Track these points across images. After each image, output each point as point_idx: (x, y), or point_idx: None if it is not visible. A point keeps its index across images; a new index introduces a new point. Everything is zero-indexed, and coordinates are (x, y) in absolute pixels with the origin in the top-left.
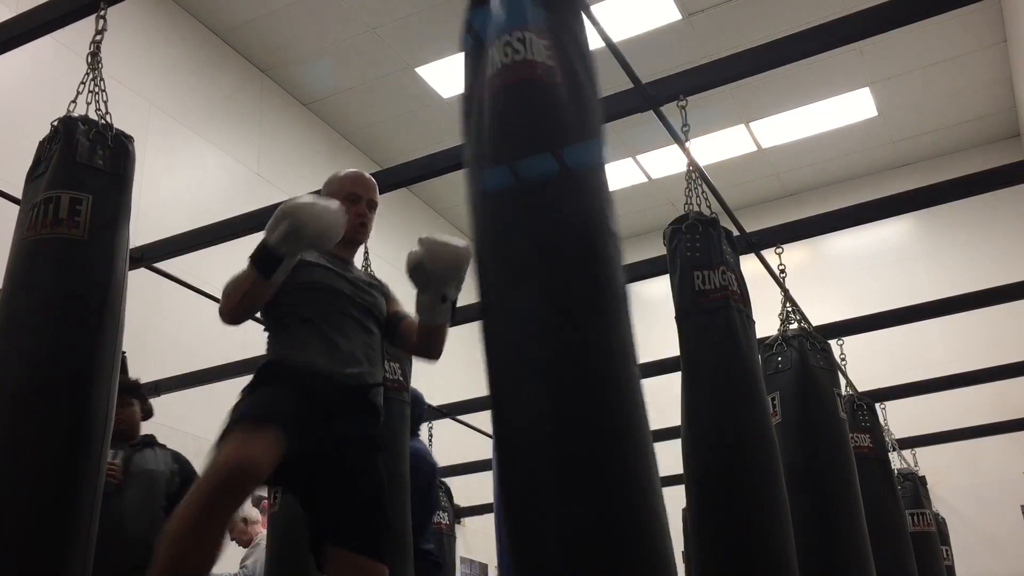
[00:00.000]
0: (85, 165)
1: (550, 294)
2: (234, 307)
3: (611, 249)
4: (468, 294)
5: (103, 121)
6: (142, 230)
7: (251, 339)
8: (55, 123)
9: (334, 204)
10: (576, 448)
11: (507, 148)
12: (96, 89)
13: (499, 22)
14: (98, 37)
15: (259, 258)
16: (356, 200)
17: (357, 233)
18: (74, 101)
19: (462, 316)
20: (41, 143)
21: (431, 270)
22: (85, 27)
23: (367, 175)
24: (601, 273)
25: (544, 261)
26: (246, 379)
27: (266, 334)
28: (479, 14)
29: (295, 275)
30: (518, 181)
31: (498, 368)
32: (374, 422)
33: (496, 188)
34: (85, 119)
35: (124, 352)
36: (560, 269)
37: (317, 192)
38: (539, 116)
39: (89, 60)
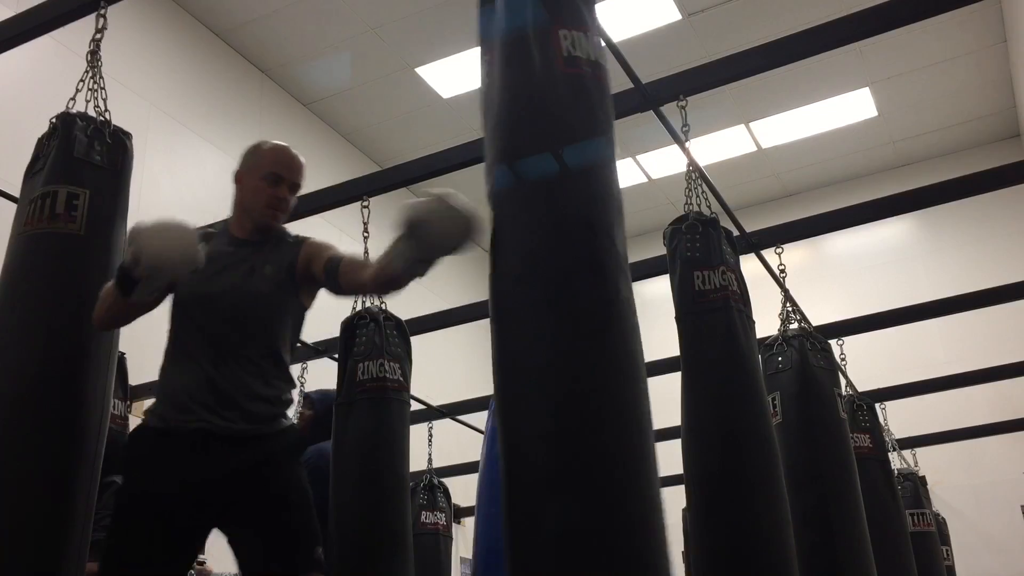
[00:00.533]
0: (82, 160)
1: (559, 294)
2: (98, 317)
3: (619, 252)
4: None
5: (101, 118)
6: None
7: None
8: (53, 120)
9: (182, 232)
10: (578, 454)
11: (569, 137)
12: (95, 87)
13: (558, 15)
14: (98, 36)
15: (117, 275)
16: (276, 182)
17: (269, 218)
18: (73, 99)
19: (460, 317)
20: (39, 140)
21: (432, 237)
22: (84, 27)
23: (294, 153)
24: (608, 277)
25: (552, 261)
26: None
27: None
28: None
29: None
30: (562, 168)
31: (506, 369)
32: (262, 454)
33: (543, 174)
34: (83, 115)
35: (123, 353)
36: (566, 271)
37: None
38: (599, 111)
39: (89, 59)
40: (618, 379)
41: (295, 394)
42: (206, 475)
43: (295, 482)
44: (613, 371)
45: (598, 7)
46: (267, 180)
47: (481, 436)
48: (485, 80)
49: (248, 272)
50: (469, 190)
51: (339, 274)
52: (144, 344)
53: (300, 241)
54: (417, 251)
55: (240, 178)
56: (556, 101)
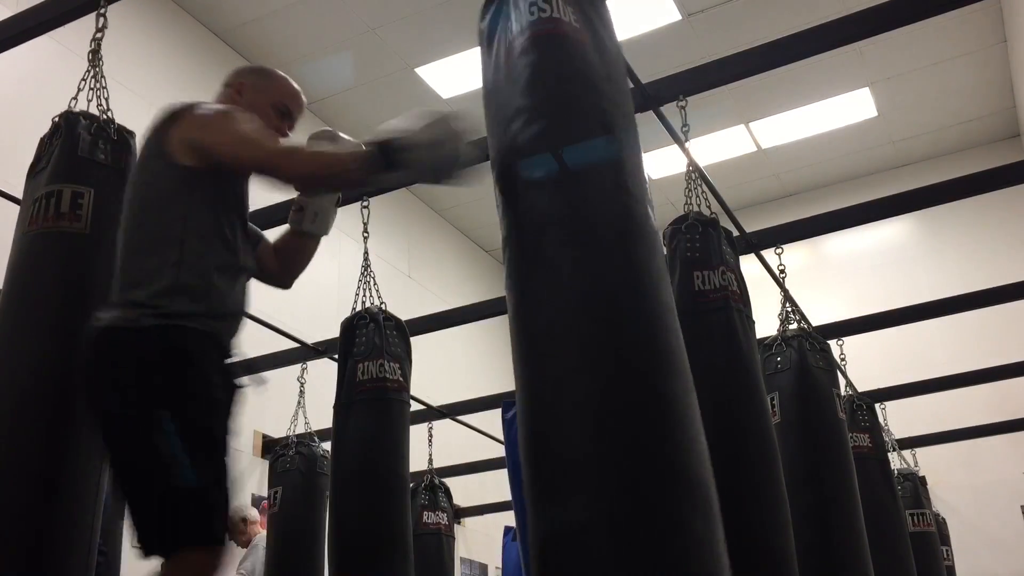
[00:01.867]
0: (87, 159)
1: (586, 280)
2: (323, 180)
3: (651, 237)
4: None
5: (104, 116)
6: None
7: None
8: (56, 119)
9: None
10: (617, 441)
11: (540, 101)
12: (97, 86)
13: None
14: (99, 35)
15: (392, 151)
16: (285, 116)
17: None
18: (75, 98)
19: (460, 317)
20: (42, 140)
21: (426, 162)
22: (84, 27)
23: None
24: (639, 258)
25: (580, 249)
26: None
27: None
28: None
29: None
30: (553, 168)
31: (532, 363)
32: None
33: (534, 174)
34: (87, 114)
35: None
36: (597, 256)
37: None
38: (572, 66)
39: (90, 58)
40: (659, 369)
41: None
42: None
43: None
44: (655, 363)
45: None
46: (277, 110)
47: (481, 436)
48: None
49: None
50: (471, 190)
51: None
52: None
53: None
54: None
55: (242, 90)
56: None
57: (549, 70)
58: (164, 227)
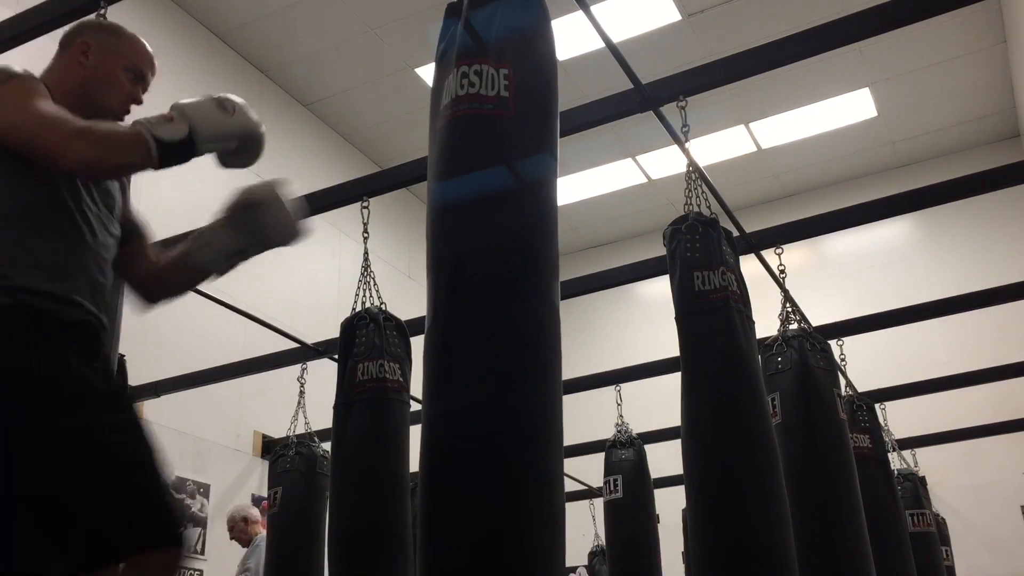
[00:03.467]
0: None
1: (492, 303)
2: (105, 164)
3: (548, 272)
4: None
5: None
6: None
7: (251, 339)
8: None
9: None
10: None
11: (451, 173)
12: None
13: (460, 50)
14: None
15: (177, 146)
16: (138, 79)
17: (122, 117)
18: None
19: None
20: None
21: (265, 225)
22: None
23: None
24: (537, 289)
25: (488, 273)
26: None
27: None
28: (450, 26)
29: None
30: (462, 198)
31: (438, 382)
32: None
33: (443, 204)
34: None
35: (123, 355)
36: (499, 280)
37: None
38: (483, 149)
39: None
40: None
41: None
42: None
43: None
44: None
45: (598, 7)
46: (130, 74)
47: None
48: None
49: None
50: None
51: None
52: (144, 346)
53: None
54: (241, 239)
55: (87, 50)
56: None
57: (462, 154)
58: None
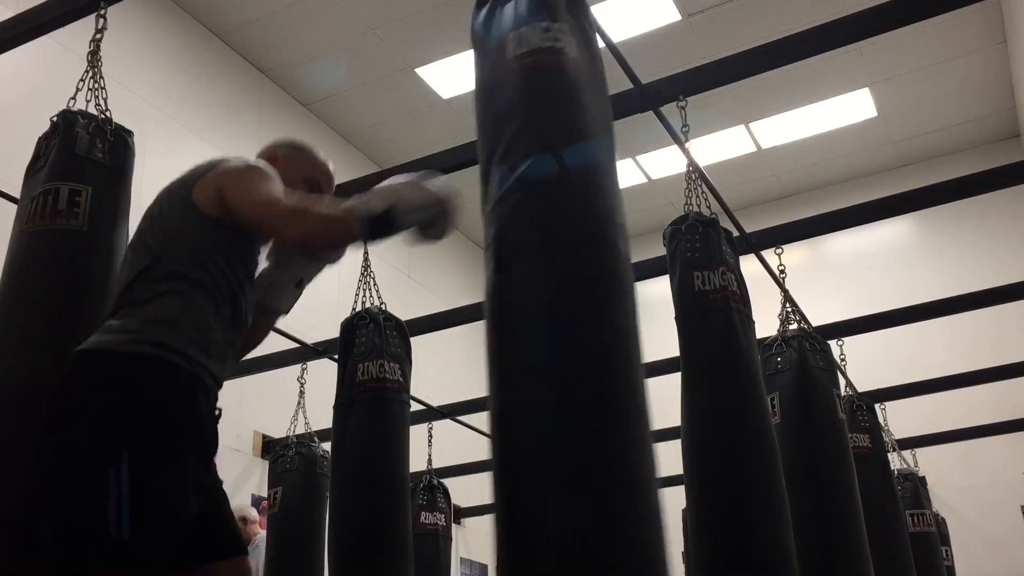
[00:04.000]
0: (84, 158)
1: (558, 285)
2: (324, 242)
3: (620, 242)
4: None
5: (103, 116)
6: None
7: None
8: (54, 118)
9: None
10: (578, 442)
11: (524, 135)
12: (96, 87)
13: (515, 16)
14: (98, 36)
15: (380, 223)
16: (314, 188)
17: None
18: (73, 98)
19: (460, 317)
20: (40, 139)
21: (409, 210)
22: (84, 27)
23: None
24: (609, 266)
25: (553, 253)
26: (247, 380)
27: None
28: (493, 6)
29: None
30: (540, 175)
31: (500, 364)
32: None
33: (529, 179)
34: (84, 113)
35: None
36: (568, 261)
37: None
38: (567, 102)
39: (89, 59)
40: (618, 378)
41: None
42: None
43: None
44: (614, 369)
45: (598, 7)
46: (307, 184)
47: (481, 436)
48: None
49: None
50: (469, 190)
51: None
52: None
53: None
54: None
55: (274, 161)
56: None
57: (543, 100)
58: (179, 263)
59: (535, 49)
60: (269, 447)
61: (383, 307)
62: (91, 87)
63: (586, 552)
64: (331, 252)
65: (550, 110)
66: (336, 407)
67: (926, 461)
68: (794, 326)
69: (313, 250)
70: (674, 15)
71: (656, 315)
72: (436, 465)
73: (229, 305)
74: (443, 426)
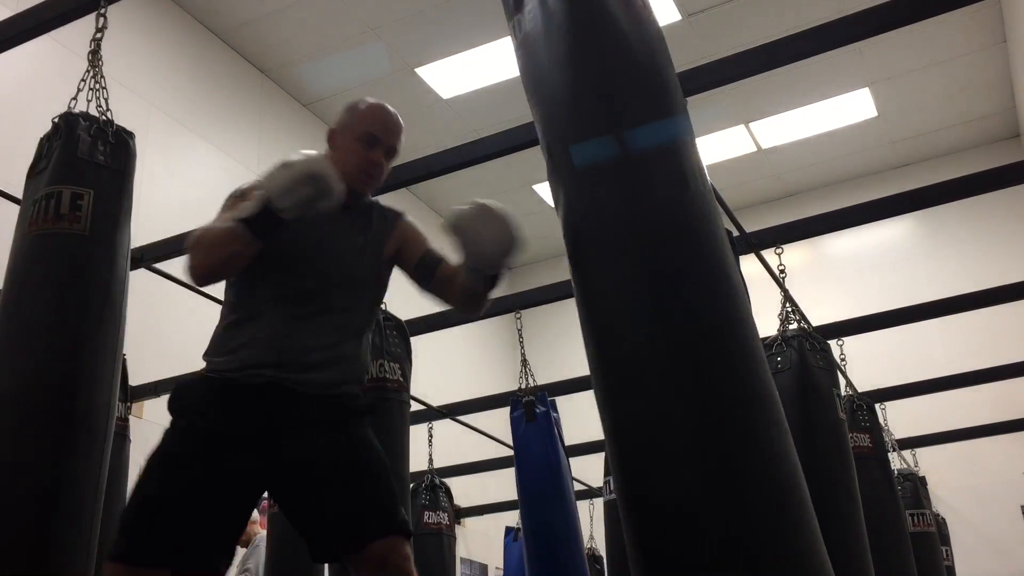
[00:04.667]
0: (86, 161)
1: (651, 271)
2: (213, 266)
3: (713, 222)
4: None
5: (104, 117)
6: (142, 230)
7: None
8: (56, 120)
9: (315, 162)
10: (704, 424)
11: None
12: (97, 87)
13: None
14: (98, 35)
15: (258, 218)
16: (372, 143)
17: (361, 184)
18: (75, 98)
19: (460, 317)
20: (41, 140)
21: (476, 244)
22: (84, 27)
23: (393, 112)
24: (704, 248)
25: (643, 238)
26: None
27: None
28: None
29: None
30: (621, 152)
31: (604, 354)
32: (341, 415)
33: (599, 160)
34: (86, 115)
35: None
36: (661, 245)
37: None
38: (661, 72)
39: (90, 58)
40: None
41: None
42: (276, 424)
43: (372, 444)
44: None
45: None
46: (362, 141)
47: (481, 436)
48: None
49: (344, 235)
50: (470, 190)
51: (434, 277)
52: (144, 345)
53: (395, 216)
54: (468, 258)
55: (333, 137)
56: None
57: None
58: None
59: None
60: None
61: (383, 307)
62: (92, 87)
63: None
64: (229, 270)
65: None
66: None
67: (926, 461)
68: (794, 326)
69: (210, 278)
70: (674, 15)
71: None
72: (436, 465)
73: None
74: (443, 426)
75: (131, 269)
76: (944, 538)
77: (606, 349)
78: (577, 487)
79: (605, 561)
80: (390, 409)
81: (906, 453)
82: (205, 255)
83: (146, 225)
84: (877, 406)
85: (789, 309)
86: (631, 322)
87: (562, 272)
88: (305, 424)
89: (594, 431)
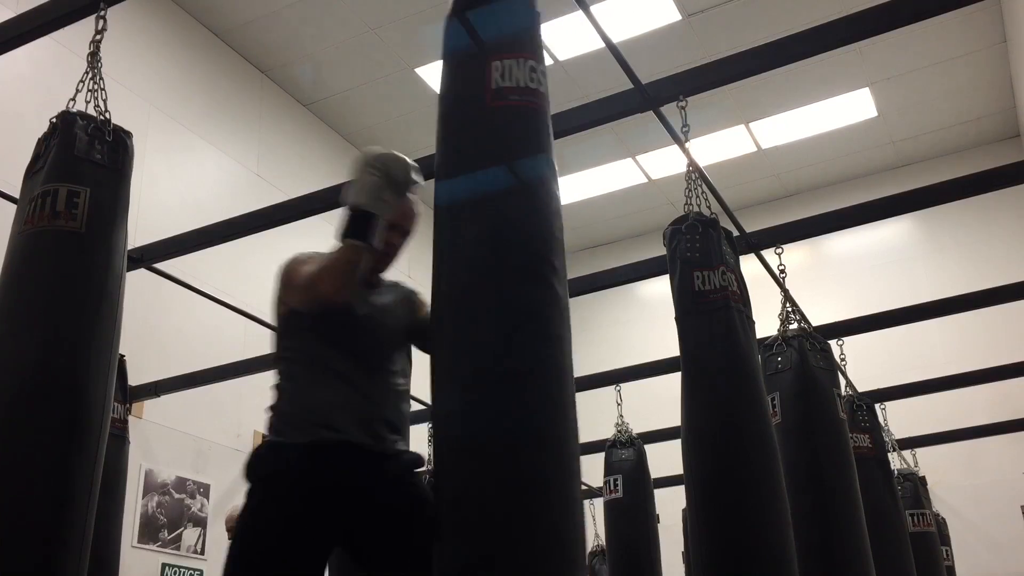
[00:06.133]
0: (83, 159)
1: (500, 303)
2: (340, 285)
3: (557, 260)
4: None
5: (102, 117)
6: (142, 230)
7: (251, 339)
8: (54, 119)
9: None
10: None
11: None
12: (95, 88)
13: (515, 40)
14: (98, 37)
15: (356, 224)
16: (402, 233)
17: (385, 267)
18: (73, 99)
19: None
20: (40, 140)
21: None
22: (84, 27)
23: (414, 202)
24: (548, 285)
25: (495, 271)
26: (246, 380)
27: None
28: (483, 16)
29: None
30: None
31: (443, 378)
32: (396, 470)
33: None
34: (83, 114)
35: (122, 355)
36: (509, 279)
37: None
38: (538, 140)
39: (89, 59)
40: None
41: None
42: (348, 485)
43: (424, 497)
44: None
45: (598, 7)
46: (393, 229)
47: None
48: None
49: (384, 300)
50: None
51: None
52: (144, 346)
53: (414, 295)
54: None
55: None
56: (484, 133)
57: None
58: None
59: (498, 89)
60: None
61: None
62: (91, 88)
63: None
64: (352, 282)
65: (503, 146)
66: None
67: (926, 461)
68: (794, 326)
69: (340, 292)
70: (674, 15)
71: (656, 315)
72: None
73: (306, 369)
74: None
75: (131, 269)
76: (944, 538)
77: None
78: None
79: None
80: None
81: (906, 453)
82: (330, 275)
83: (146, 225)
84: (877, 406)
85: (789, 309)
86: None
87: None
88: (374, 480)
89: (593, 431)
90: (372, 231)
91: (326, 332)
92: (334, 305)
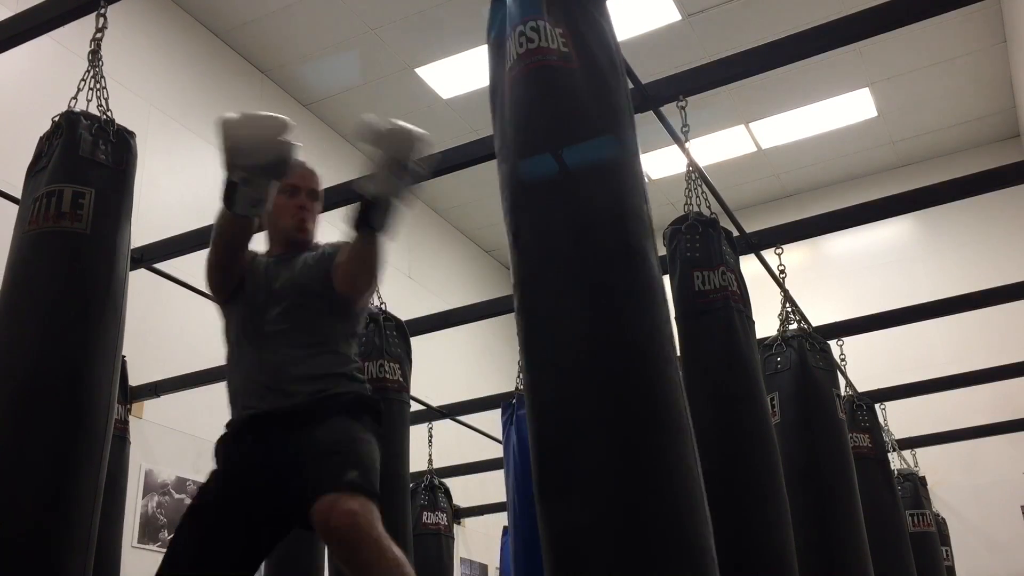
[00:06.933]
0: (87, 159)
1: (586, 284)
2: (210, 259)
3: (644, 239)
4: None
5: (105, 116)
6: (142, 230)
7: None
8: (56, 118)
9: (267, 118)
10: (615, 437)
11: (527, 135)
12: (97, 86)
13: (514, 13)
14: (99, 35)
15: (224, 190)
16: (294, 192)
17: (297, 230)
18: (75, 98)
19: (460, 317)
20: (42, 139)
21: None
22: (84, 26)
23: (304, 163)
24: (634, 263)
25: (579, 251)
26: None
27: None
28: (499, 7)
29: None
30: (547, 173)
31: (536, 359)
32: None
33: (528, 178)
34: (87, 114)
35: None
36: (595, 259)
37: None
38: (555, 101)
39: (90, 58)
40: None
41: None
42: (258, 461)
43: (339, 428)
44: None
45: None
46: (285, 194)
47: (481, 436)
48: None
49: (288, 272)
50: (471, 190)
51: (335, 280)
52: (144, 346)
53: (335, 251)
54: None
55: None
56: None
57: (535, 107)
58: None
59: (519, 55)
60: None
61: (383, 307)
62: (92, 87)
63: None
64: (236, 249)
65: (537, 115)
66: None
67: (926, 461)
68: (794, 326)
69: (223, 267)
70: (674, 15)
71: None
72: (436, 465)
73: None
74: (443, 426)
75: (131, 269)
76: (944, 538)
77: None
78: None
79: None
80: (390, 409)
81: (906, 453)
82: (210, 253)
83: (146, 225)
84: (877, 406)
85: (789, 309)
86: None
87: None
88: (285, 441)
89: None
90: (235, 198)
91: (225, 311)
92: (218, 281)
